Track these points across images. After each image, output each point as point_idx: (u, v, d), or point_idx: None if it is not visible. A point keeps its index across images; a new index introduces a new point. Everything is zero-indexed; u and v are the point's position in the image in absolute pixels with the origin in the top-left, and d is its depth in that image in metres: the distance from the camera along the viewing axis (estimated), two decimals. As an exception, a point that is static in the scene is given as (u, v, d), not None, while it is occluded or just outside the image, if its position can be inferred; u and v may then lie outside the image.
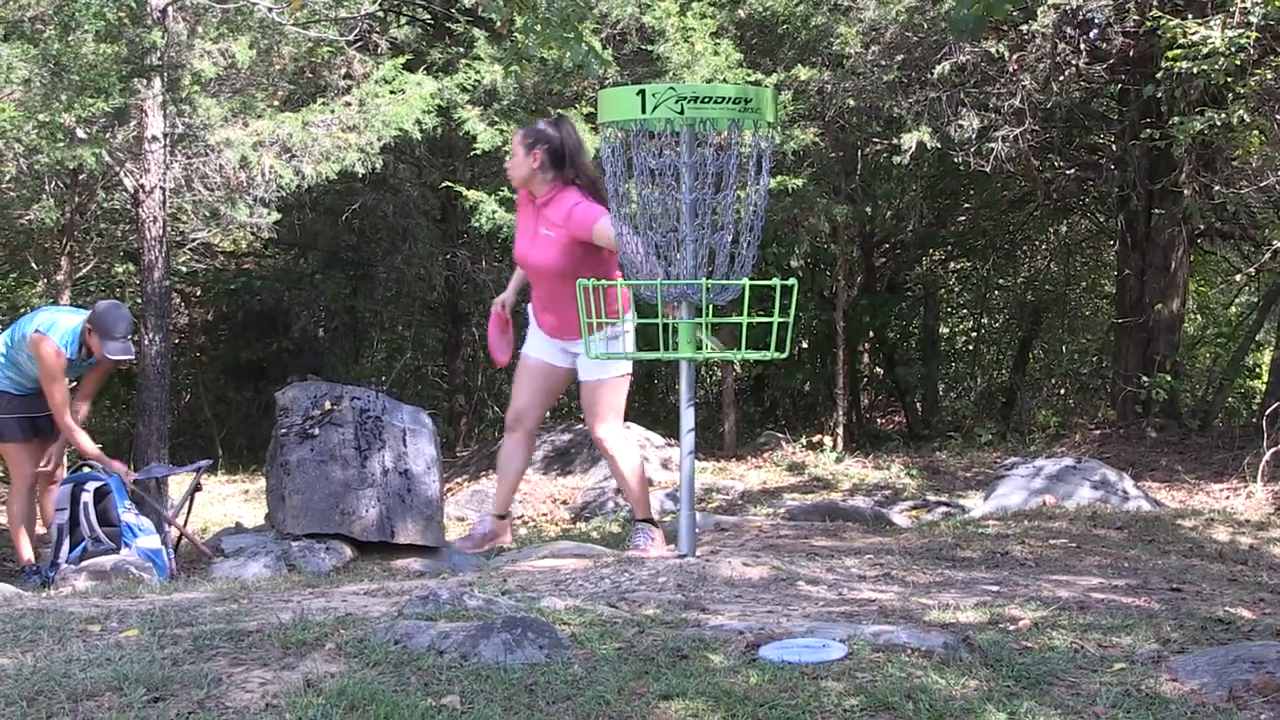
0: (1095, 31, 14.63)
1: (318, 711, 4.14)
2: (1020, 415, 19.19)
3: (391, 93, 12.45)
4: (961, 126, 13.96)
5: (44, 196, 11.63)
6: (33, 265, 15.79)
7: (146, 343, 11.35)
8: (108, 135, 11.03)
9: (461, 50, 15.52)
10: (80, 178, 11.99)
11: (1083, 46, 14.27)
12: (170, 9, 11.18)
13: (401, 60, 13.13)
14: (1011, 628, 5.28)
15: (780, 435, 17.50)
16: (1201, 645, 5.01)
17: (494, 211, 14.11)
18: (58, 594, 7.34)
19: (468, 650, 4.70)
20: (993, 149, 14.07)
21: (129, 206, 12.25)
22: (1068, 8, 13.20)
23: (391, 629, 5.00)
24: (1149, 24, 12.60)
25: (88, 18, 10.04)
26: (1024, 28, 13.54)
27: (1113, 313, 18.26)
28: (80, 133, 10.39)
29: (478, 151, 14.61)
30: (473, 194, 14.44)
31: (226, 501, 14.52)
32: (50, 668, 4.71)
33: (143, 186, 11.21)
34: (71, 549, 9.11)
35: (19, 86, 9.39)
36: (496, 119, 14.52)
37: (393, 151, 13.69)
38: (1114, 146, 16.31)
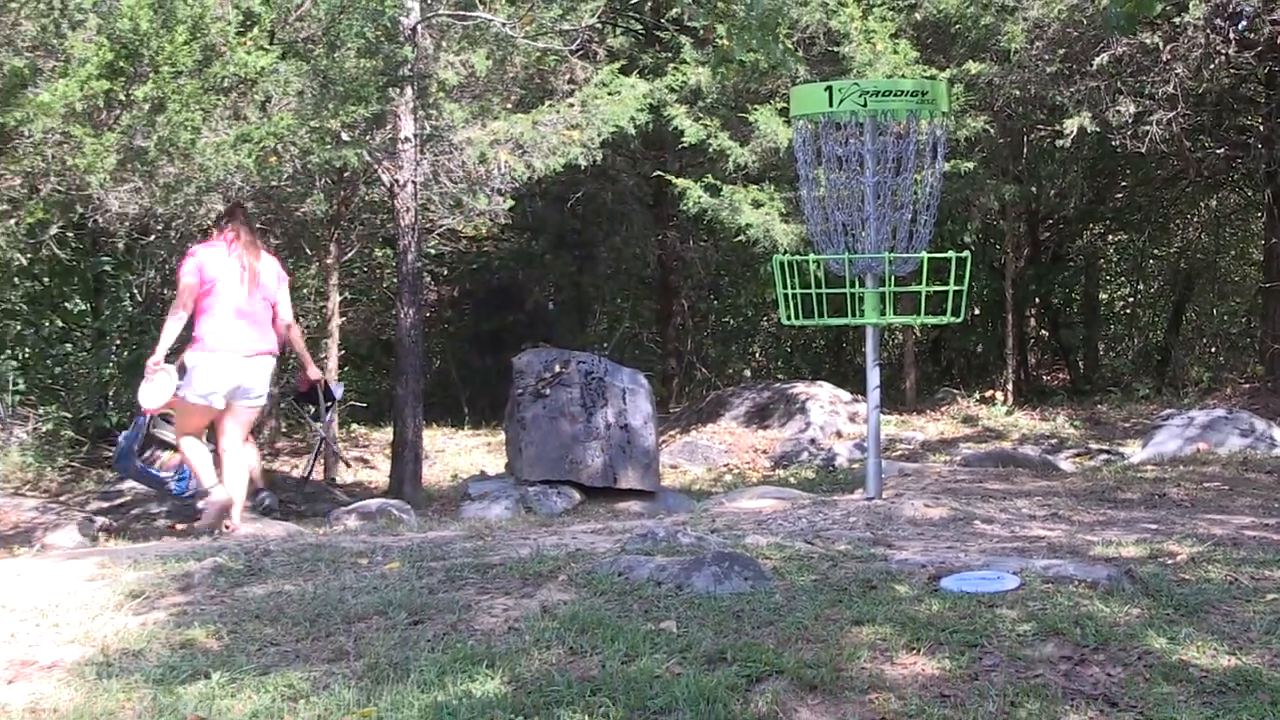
0: (1244, 22, 14.07)
1: (552, 634, 4.20)
2: (1174, 371, 18.65)
3: (609, 94, 12.49)
4: (1119, 112, 13.57)
5: (315, 191, 11.93)
6: (307, 250, 16.25)
7: (402, 316, 11.58)
8: (367, 137, 11.25)
9: (669, 55, 15.55)
10: (345, 174, 12.26)
11: (1232, 36, 13.76)
12: (419, 27, 11.36)
13: (617, 65, 13.18)
14: (1170, 562, 5.14)
15: (956, 391, 17.26)
16: (1352, 580, 4.82)
17: (700, 197, 14.11)
18: (332, 531, 7.56)
19: (682, 581, 4.73)
20: (1148, 132, 13.66)
21: (386, 198, 12.50)
22: (1218, 1, 12.73)
23: (615, 563, 5.04)
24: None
25: (350, 37, 10.24)
26: (1177, 20, 13.10)
27: (1260, 278, 17.64)
28: (344, 136, 10.62)
29: (685, 144, 14.65)
30: (681, 181, 14.47)
31: (472, 453, 14.81)
32: (327, 594, 4.85)
33: (397, 181, 11.42)
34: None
35: (294, 97, 9.61)
36: (701, 115, 14.54)
37: (611, 146, 13.72)
38: (1261, 127, 15.71)
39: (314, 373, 9.24)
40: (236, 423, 7.94)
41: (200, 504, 7.98)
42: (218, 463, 8.10)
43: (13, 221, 8.22)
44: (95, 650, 4.36)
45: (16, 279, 14.37)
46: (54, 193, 8.12)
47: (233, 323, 7.79)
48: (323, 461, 10.55)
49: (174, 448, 8.76)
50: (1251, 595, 4.59)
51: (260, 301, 7.97)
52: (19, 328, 14.84)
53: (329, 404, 9.82)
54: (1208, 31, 13.35)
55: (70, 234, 12.84)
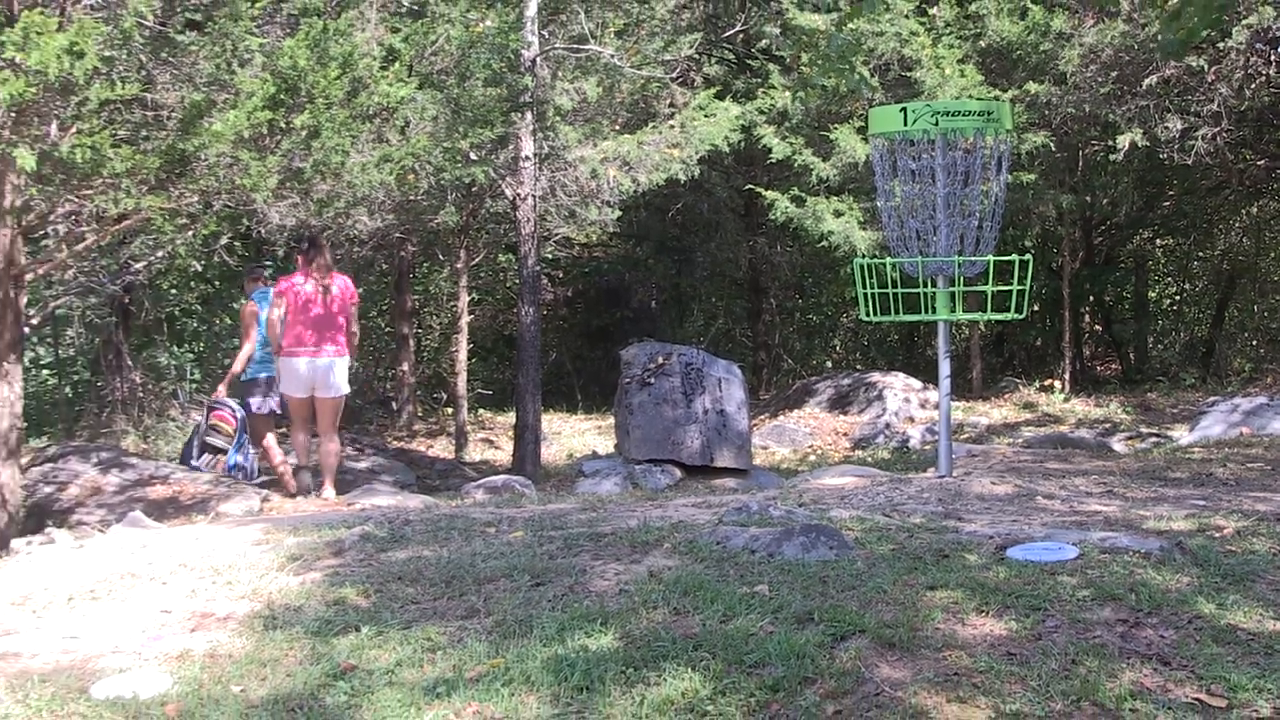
0: (1283, 45, 13.73)
1: (658, 596, 4.20)
2: (1218, 362, 18.23)
3: (705, 116, 12.47)
4: (1167, 128, 13.29)
5: (447, 204, 12.03)
6: (439, 256, 16.42)
7: (522, 314, 11.65)
8: (493, 157, 11.33)
9: (759, 81, 15.47)
10: (473, 189, 12.35)
11: (1272, 59, 13.42)
12: (538, 59, 11.42)
13: (713, 91, 13.14)
14: (1217, 535, 5.02)
15: (1017, 380, 17.00)
16: (1388, 554, 4.67)
17: (786, 207, 14.04)
18: (463, 504, 7.63)
19: (773, 549, 4.71)
20: (1194, 146, 13.37)
21: (508, 210, 12.59)
22: (1259, 27, 12.42)
23: (714, 533, 5.04)
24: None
25: (478, 69, 10.32)
26: (1221, 45, 12.80)
27: (1300, 277, 17.25)
28: (473, 155, 10.70)
29: (773, 160, 14.58)
30: (770, 193, 14.39)
31: (585, 435, 14.85)
32: (460, 559, 4.90)
33: (519, 194, 11.50)
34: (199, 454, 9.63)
35: (430, 122, 9.70)
36: (787, 134, 14.46)
37: (707, 162, 13.70)
38: (1300, 140, 15.35)
39: None
40: (323, 412, 8.94)
41: (290, 477, 9.20)
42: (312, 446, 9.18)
43: (190, 233, 8.39)
44: (262, 605, 4.44)
45: (193, 283, 14.69)
46: (225, 208, 8.26)
47: (306, 332, 8.80)
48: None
49: (223, 451, 9.59)
50: (1293, 566, 4.48)
51: (332, 314, 8.87)
52: (195, 325, 15.18)
53: None
54: (1249, 55, 13.05)
55: (238, 243, 13.08)
